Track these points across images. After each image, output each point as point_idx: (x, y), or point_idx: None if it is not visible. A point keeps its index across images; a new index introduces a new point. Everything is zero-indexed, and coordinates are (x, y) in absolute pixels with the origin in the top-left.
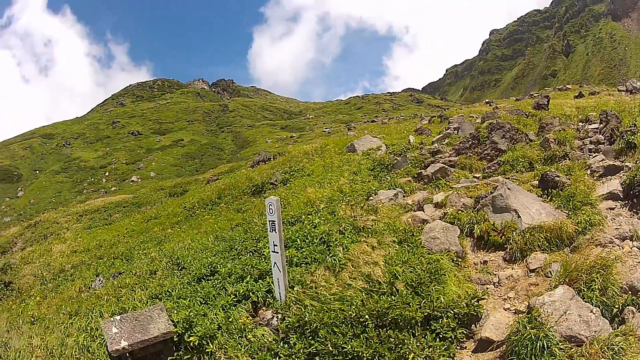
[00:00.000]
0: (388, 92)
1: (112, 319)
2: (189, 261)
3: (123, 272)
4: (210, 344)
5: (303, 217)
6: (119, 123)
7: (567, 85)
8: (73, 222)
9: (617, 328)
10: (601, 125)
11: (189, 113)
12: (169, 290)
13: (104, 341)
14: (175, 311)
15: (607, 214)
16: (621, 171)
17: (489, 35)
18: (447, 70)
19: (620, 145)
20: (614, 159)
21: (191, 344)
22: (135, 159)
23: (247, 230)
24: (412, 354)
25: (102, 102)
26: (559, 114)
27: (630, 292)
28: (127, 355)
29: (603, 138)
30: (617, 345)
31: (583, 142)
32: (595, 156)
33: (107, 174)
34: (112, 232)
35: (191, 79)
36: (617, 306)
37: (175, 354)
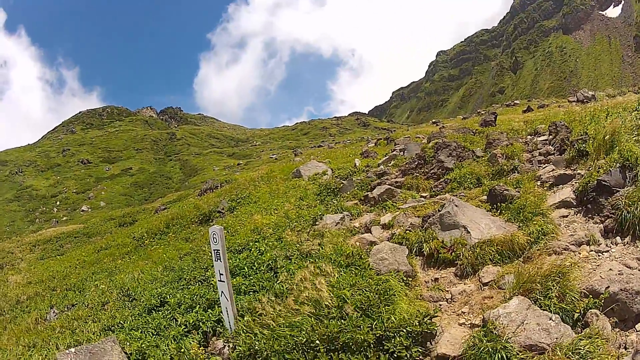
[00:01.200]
0: (334, 117)
1: (67, 351)
2: (139, 292)
3: (76, 304)
4: None
5: (250, 244)
6: (69, 151)
7: (515, 101)
8: (27, 252)
9: (581, 332)
10: (550, 137)
11: (137, 141)
12: (121, 322)
13: None
14: (128, 343)
15: (561, 222)
16: (573, 179)
17: (436, 56)
18: (393, 93)
19: (571, 154)
20: (565, 168)
21: None
22: (85, 188)
23: (195, 259)
24: None
25: (53, 129)
26: (506, 129)
27: (591, 296)
28: None
29: (553, 149)
30: (584, 349)
31: (532, 154)
32: (545, 167)
33: (58, 203)
34: (64, 263)
35: (140, 106)
36: (578, 311)
37: None
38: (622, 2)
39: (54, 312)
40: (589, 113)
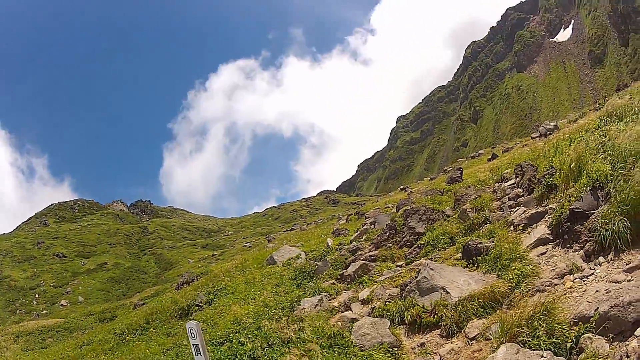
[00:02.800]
0: (303, 198)
1: None
2: None
3: None
4: None
5: (231, 335)
6: (44, 244)
7: (480, 151)
8: (11, 342)
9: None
10: (517, 179)
11: (110, 235)
12: None
13: None
14: None
15: (540, 260)
16: (546, 215)
17: (396, 122)
18: (359, 166)
19: (540, 191)
20: (536, 206)
21: None
22: (63, 282)
23: (178, 353)
24: None
25: (27, 220)
26: (473, 182)
27: (581, 322)
28: None
29: (521, 191)
30: None
31: (502, 201)
32: (516, 210)
33: (37, 295)
34: (48, 357)
35: (110, 199)
36: (570, 340)
37: None
38: (572, 22)
39: None
40: (552, 145)
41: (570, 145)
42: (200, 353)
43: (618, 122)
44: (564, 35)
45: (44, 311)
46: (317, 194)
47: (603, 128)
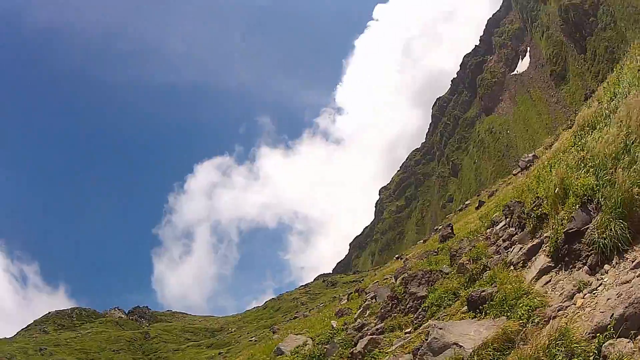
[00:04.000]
0: (301, 285)
1: None
2: None
3: None
4: None
5: None
6: (47, 350)
7: (466, 202)
8: None
9: None
10: (508, 220)
11: (112, 342)
12: None
13: None
14: None
15: (547, 289)
16: (542, 245)
17: (379, 194)
18: (350, 244)
19: (532, 224)
20: (531, 239)
21: None
22: None
23: None
24: None
25: (26, 327)
26: (465, 235)
27: (599, 334)
28: None
29: (514, 229)
30: None
31: (496, 245)
32: (512, 250)
33: None
34: None
35: (107, 307)
36: (591, 354)
37: None
38: (528, 49)
39: None
40: (534, 177)
41: (551, 170)
42: None
43: (592, 131)
44: (523, 65)
45: None
46: (315, 279)
47: (579, 143)
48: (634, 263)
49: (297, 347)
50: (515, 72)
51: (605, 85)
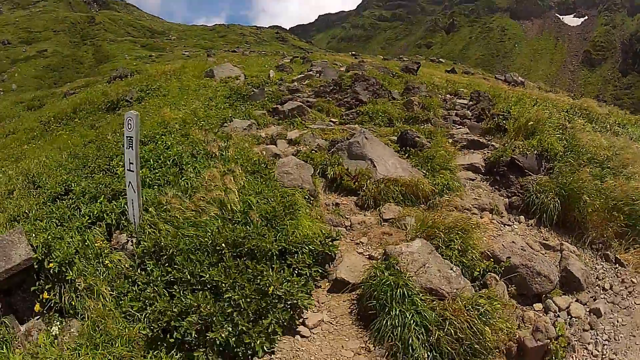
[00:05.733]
0: (254, 26)
1: None
2: (44, 179)
3: None
4: (69, 271)
5: (157, 137)
6: None
7: (441, 59)
8: None
9: (480, 291)
10: (471, 103)
11: (57, 23)
12: (26, 211)
13: None
14: (33, 235)
15: (466, 184)
16: (486, 148)
17: None
18: (319, 16)
19: (489, 125)
20: (480, 136)
21: (51, 271)
22: (1, 70)
23: (100, 147)
24: (272, 287)
25: None
26: (427, 82)
27: (492, 260)
28: None
29: (471, 114)
30: (483, 307)
31: (449, 112)
32: (459, 129)
33: None
34: None
35: None
36: (478, 270)
37: (37, 283)
38: (585, 17)
39: None
40: (516, 95)
41: (534, 106)
42: (131, 147)
43: (586, 122)
44: (572, 20)
45: None
46: (269, 27)
47: (570, 116)
48: (545, 242)
49: (228, 78)
50: (561, 17)
51: None
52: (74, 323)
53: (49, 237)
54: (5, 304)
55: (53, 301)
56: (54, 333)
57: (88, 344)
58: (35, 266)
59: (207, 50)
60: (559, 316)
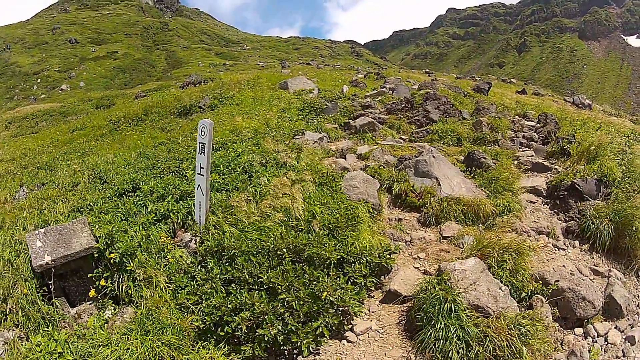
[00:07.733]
0: (329, 40)
1: (36, 232)
2: (111, 175)
3: (47, 183)
4: (130, 262)
5: (228, 144)
6: (59, 29)
7: (512, 79)
8: (2, 130)
9: (525, 312)
10: (538, 125)
11: (128, 26)
12: (91, 204)
13: (28, 256)
14: (97, 226)
15: (527, 206)
16: (549, 172)
17: (446, 11)
18: (394, 32)
19: (554, 148)
20: (544, 159)
21: (112, 260)
22: (68, 67)
23: (170, 149)
24: (325, 292)
25: (47, 7)
26: (497, 103)
27: (540, 282)
28: (52, 270)
29: (537, 137)
30: (524, 327)
31: (516, 134)
32: (525, 151)
33: (39, 80)
34: (37, 141)
35: None
36: (525, 291)
37: (95, 270)
38: None
39: (23, 191)
40: (582, 118)
41: (597, 130)
42: (204, 153)
43: None
44: (636, 41)
45: (42, 96)
46: (344, 41)
47: (630, 141)
48: (595, 267)
49: (302, 90)
50: (625, 38)
51: None
52: (127, 310)
53: (113, 229)
54: (59, 287)
55: (109, 289)
56: (105, 317)
57: (139, 329)
58: (96, 255)
59: (281, 61)
60: (596, 341)
